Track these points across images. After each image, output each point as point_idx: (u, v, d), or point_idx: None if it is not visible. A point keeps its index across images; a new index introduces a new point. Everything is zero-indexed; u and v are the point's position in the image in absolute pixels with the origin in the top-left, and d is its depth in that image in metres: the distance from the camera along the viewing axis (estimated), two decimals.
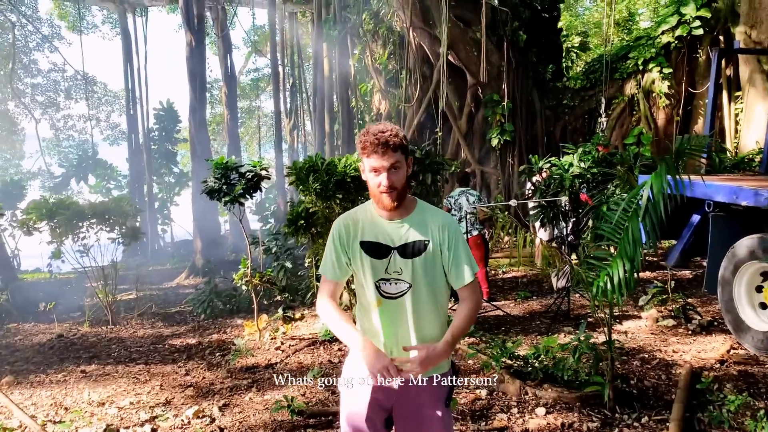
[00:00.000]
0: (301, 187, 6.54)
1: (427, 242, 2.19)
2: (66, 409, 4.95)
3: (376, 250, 2.20)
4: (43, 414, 4.79)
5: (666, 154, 11.94)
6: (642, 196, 4.56)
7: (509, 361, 5.07)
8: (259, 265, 9.63)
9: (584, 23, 29.34)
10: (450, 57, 13.14)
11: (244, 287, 7.31)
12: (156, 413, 4.71)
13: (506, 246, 12.67)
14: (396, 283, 2.20)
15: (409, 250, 2.18)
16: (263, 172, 7.10)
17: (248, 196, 6.84)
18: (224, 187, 6.76)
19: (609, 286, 4.49)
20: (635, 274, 4.51)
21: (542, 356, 5.00)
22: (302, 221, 6.62)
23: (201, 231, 15.06)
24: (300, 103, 21.36)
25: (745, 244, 5.64)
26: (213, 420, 4.53)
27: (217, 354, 6.75)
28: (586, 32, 27.17)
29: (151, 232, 22.29)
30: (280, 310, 7.37)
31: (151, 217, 22.56)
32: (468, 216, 8.28)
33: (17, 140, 28.99)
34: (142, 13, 22.13)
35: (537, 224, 10.18)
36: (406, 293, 2.20)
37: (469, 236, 8.27)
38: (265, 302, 9.29)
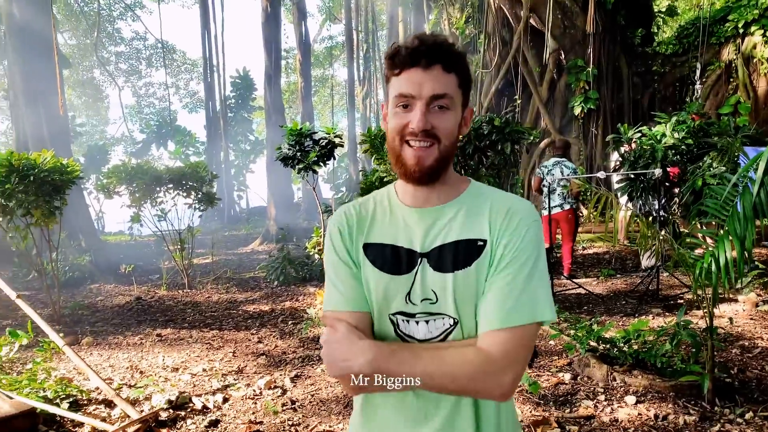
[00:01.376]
0: (375, 155, 6.32)
1: (482, 243, 1.24)
2: (141, 372, 4.99)
3: (390, 258, 1.27)
4: (119, 377, 4.84)
5: (765, 125, 11.05)
6: (758, 166, 4.10)
7: (595, 344, 4.74)
8: None
9: None
10: (532, 20, 12.50)
11: (316, 256, 7.20)
12: (228, 382, 4.66)
13: (586, 220, 12.10)
14: (428, 321, 1.25)
15: (449, 258, 1.24)
16: (337, 140, 6.93)
17: (322, 164, 6.69)
18: (298, 154, 6.64)
19: (714, 267, 4.07)
20: (745, 255, 4.08)
21: (632, 340, 4.64)
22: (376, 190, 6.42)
23: (275, 198, 15.18)
24: (373, 71, 21.09)
25: None
26: (285, 391, 4.44)
27: (290, 322, 6.70)
28: None
29: (228, 198, 22.76)
30: None
31: (228, 183, 23.02)
32: (560, 189, 7.87)
33: (102, 107, 30.15)
34: None
35: (623, 198, 9.64)
36: (448, 337, 1.25)
37: (561, 210, 7.88)
38: None
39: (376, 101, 22.62)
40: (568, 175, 7.92)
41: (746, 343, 5.20)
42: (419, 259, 1.24)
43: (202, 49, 22.23)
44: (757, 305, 6.33)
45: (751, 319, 5.96)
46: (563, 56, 12.82)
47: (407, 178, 1.26)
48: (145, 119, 28.63)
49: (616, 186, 9.99)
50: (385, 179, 6.44)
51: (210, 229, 19.19)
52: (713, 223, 4.92)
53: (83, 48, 27.40)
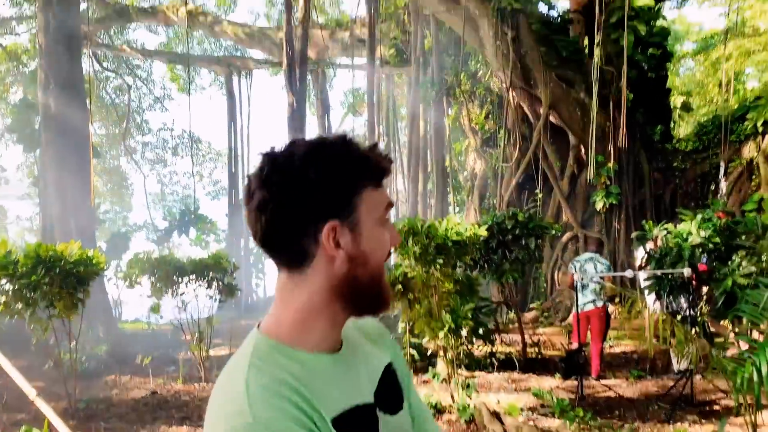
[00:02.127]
0: (399, 250, 6.30)
1: (392, 368, 1.20)
2: None
3: (358, 422, 1.05)
4: None
5: None
6: None
7: None
8: None
9: (686, 83, 28.27)
10: (551, 117, 12.77)
11: None
12: None
13: (613, 317, 11.83)
14: None
15: (391, 397, 1.16)
16: None
17: None
18: None
19: (756, 377, 3.90)
20: None
21: None
22: (400, 286, 6.35)
23: None
24: (393, 164, 21.49)
25: None
26: None
27: None
28: (689, 92, 26.08)
29: (246, 286, 22.73)
30: None
31: (246, 271, 23.06)
32: (593, 285, 7.74)
33: (126, 194, 30.80)
34: (247, 75, 23.23)
35: (650, 297, 9.44)
36: None
37: (594, 306, 7.70)
38: None
39: (396, 191, 23.01)
40: (602, 271, 7.81)
41: None
42: (376, 413, 1.09)
43: (228, 139, 22.93)
44: None
45: None
46: (583, 152, 12.98)
47: (384, 307, 1.10)
48: (168, 206, 29.17)
49: (643, 284, 9.82)
50: (408, 274, 6.38)
51: (227, 317, 19.00)
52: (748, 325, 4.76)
53: (111, 137, 28.38)
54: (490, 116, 15.20)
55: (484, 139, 15.51)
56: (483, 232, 6.47)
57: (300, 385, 0.98)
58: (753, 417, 3.93)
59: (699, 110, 26.05)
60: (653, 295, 8.66)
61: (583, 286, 7.83)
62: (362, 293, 1.06)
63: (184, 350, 10.35)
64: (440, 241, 6.04)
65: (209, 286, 8.94)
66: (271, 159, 1.03)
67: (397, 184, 23.20)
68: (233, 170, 23.53)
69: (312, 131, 27.20)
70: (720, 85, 23.82)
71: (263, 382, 0.97)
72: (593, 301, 7.76)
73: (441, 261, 6.05)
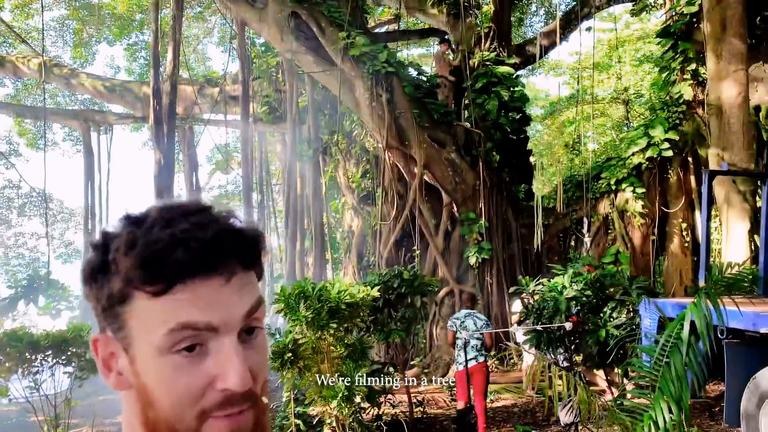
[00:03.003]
0: (289, 315, 6.00)
1: None
2: None
3: None
4: None
5: (643, 273, 11.86)
6: (683, 326, 4.21)
7: None
8: None
9: (536, 145, 30.59)
10: (425, 176, 13.13)
11: None
12: None
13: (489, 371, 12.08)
14: None
15: None
16: None
17: None
18: None
19: (653, 430, 4.01)
20: (683, 417, 4.06)
21: None
22: (290, 354, 6.02)
23: None
24: (267, 221, 21.06)
25: None
26: None
27: None
28: (540, 153, 28.18)
29: None
30: None
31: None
32: (474, 341, 7.79)
33: None
34: (107, 131, 21.97)
35: (525, 348, 9.74)
36: None
37: (476, 362, 7.73)
38: None
39: (270, 250, 22.47)
40: (482, 326, 7.91)
41: None
42: None
43: (84, 198, 21.36)
44: None
45: None
46: (456, 209, 13.42)
47: None
48: (13, 272, 26.44)
49: (519, 338, 10.14)
50: (299, 340, 6.08)
51: (82, 394, 17.26)
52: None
53: None
54: (366, 175, 15.39)
55: (360, 197, 15.62)
56: (375, 293, 6.35)
57: None
58: None
59: (549, 169, 28.18)
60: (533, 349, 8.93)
61: (465, 343, 7.89)
62: None
63: None
64: (333, 305, 5.83)
65: (68, 363, 8.01)
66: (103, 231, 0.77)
67: (272, 242, 22.75)
68: (90, 230, 21.85)
69: (180, 190, 26.18)
70: (566, 145, 25.98)
71: None
72: (475, 357, 7.82)
73: (334, 325, 5.82)
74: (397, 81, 12.93)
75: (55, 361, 7.83)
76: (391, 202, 13.57)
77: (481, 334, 7.92)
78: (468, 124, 13.80)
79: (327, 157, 16.15)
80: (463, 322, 8.03)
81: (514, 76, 14.58)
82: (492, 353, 12.53)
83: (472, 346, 7.82)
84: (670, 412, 3.98)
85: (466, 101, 14.25)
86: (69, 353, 7.89)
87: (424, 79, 14.64)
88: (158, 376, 0.71)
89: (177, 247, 0.68)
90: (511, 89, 14.16)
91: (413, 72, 14.81)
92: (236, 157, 26.04)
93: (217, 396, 0.70)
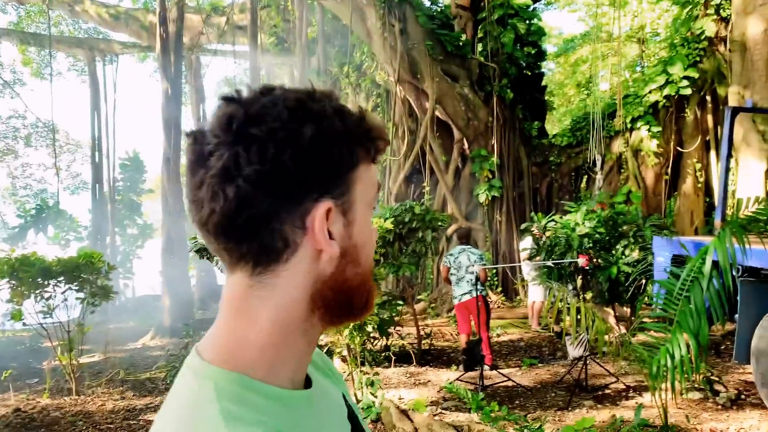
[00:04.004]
0: None
1: (348, 403, 0.96)
2: None
3: None
4: None
5: (655, 212, 11.77)
6: (705, 261, 4.14)
7: None
8: None
9: (547, 83, 30.01)
10: (437, 111, 12.89)
11: None
12: None
13: (496, 306, 12.17)
14: None
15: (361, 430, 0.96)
16: None
17: None
18: None
19: (670, 363, 4.00)
20: (699, 351, 4.04)
21: None
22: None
23: (170, 287, 14.18)
24: None
25: None
26: None
27: None
28: (551, 92, 27.68)
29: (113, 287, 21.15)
30: None
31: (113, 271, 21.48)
32: (468, 276, 7.79)
33: None
34: (112, 60, 21.58)
35: (532, 285, 9.75)
36: None
37: (470, 297, 7.75)
38: None
39: None
40: (475, 261, 7.88)
41: None
42: None
43: (90, 129, 21.19)
44: (681, 393, 6.38)
45: (679, 408, 5.96)
46: (467, 146, 13.23)
47: (357, 318, 0.86)
48: (21, 202, 26.52)
49: (527, 275, 10.14)
50: None
51: (93, 321, 17.58)
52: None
53: None
54: (377, 109, 15.13)
55: None
56: (389, 225, 6.29)
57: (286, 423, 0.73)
58: (665, 407, 4.02)
59: (559, 109, 27.71)
60: (539, 286, 8.95)
61: (459, 278, 7.92)
62: (350, 300, 0.80)
63: (47, 359, 9.33)
64: None
65: (80, 289, 8.06)
66: (245, 105, 0.73)
67: None
68: (97, 161, 21.78)
69: (187, 122, 25.96)
70: (578, 85, 25.41)
71: (231, 414, 0.68)
72: (469, 292, 7.82)
73: None
74: (411, 10, 12.52)
75: (67, 287, 7.88)
76: (402, 137, 13.38)
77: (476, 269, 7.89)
78: (482, 58, 13.44)
79: (336, 90, 15.86)
80: (457, 257, 8.02)
81: (531, 9, 14.12)
82: (499, 289, 12.62)
83: (467, 281, 7.83)
84: (687, 346, 3.96)
85: (481, 33, 13.83)
86: (81, 279, 7.93)
87: (439, 9, 14.18)
88: (369, 230, 0.82)
89: (382, 130, 0.82)
90: (528, 22, 13.73)
91: (428, 1, 14.33)
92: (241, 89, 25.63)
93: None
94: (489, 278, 10.47)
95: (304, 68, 13.24)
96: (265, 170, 0.69)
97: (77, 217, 24.04)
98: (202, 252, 6.12)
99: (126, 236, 24.14)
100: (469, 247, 8.24)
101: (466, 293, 7.85)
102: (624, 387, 6.72)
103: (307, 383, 0.83)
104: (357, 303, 0.81)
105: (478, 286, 7.70)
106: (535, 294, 10.11)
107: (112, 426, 6.47)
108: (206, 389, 0.71)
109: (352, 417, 0.92)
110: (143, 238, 24.75)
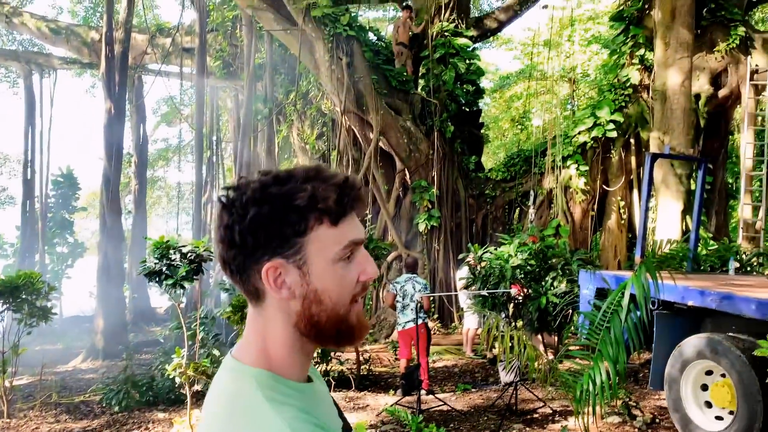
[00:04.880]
0: None
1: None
2: None
3: None
4: None
5: (582, 247, 12.48)
6: (623, 295, 4.60)
7: None
8: (171, 347, 8.88)
9: (483, 118, 31.03)
10: (381, 143, 13.32)
11: (177, 379, 6.66)
12: None
13: (433, 333, 12.54)
14: None
15: (344, 419, 1.23)
16: (206, 253, 6.67)
17: (192, 279, 6.37)
18: (164, 268, 6.27)
19: (592, 389, 4.42)
20: (618, 377, 4.48)
21: None
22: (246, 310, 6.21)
23: (104, 309, 13.91)
24: (214, 177, 20.84)
25: (693, 343, 5.81)
26: None
27: None
28: (487, 126, 28.72)
29: None
30: None
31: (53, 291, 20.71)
32: (413, 304, 8.13)
33: None
34: (49, 74, 21.10)
35: (466, 312, 10.18)
36: None
37: (414, 324, 8.09)
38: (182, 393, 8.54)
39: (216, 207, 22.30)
40: (420, 290, 8.26)
41: None
42: None
43: (24, 144, 20.58)
44: (602, 417, 6.88)
45: (600, 431, 6.44)
46: (408, 177, 13.71)
47: (355, 340, 1.10)
48: None
49: (464, 302, 10.59)
50: None
51: (22, 342, 16.92)
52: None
53: None
54: (322, 137, 15.45)
55: (314, 159, 15.70)
56: None
57: (311, 414, 1.01)
58: (587, 425, 4.44)
59: (494, 141, 28.71)
60: (473, 314, 9.38)
61: (404, 306, 8.27)
62: (322, 331, 1.05)
63: None
64: None
65: (18, 310, 7.95)
66: (237, 185, 1.05)
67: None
68: (29, 177, 21.13)
69: (126, 140, 25.46)
70: (512, 120, 26.47)
71: (294, 414, 0.97)
72: (413, 320, 8.18)
73: None
74: (358, 45, 12.98)
75: (5, 307, 7.77)
76: (346, 165, 13.73)
77: (422, 297, 8.27)
78: (424, 94, 14.01)
79: (281, 117, 16.10)
80: (404, 286, 8.38)
81: (471, 49, 14.82)
82: (435, 316, 13.02)
83: (412, 309, 8.17)
84: (607, 372, 4.40)
85: (424, 70, 14.43)
86: (20, 300, 7.82)
87: (384, 44, 14.71)
88: (332, 278, 1.03)
89: (345, 196, 1.03)
90: (468, 61, 14.42)
91: (373, 37, 14.84)
92: (182, 111, 25.45)
93: (361, 284, 1.07)
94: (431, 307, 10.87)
95: (251, 94, 13.44)
96: (234, 239, 1.02)
97: (2, 233, 23.18)
98: (151, 275, 6.23)
99: (56, 254, 23.38)
100: (415, 275, 8.61)
101: (410, 321, 8.19)
102: (551, 411, 7.16)
103: (309, 381, 1.12)
104: (327, 333, 1.05)
105: (421, 314, 8.07)
106: (469, 322, 10.56)
107: None
108: (249, 383, 1.01)
109: (341, 414, 1.22)
110: (73, 257, 24.00)
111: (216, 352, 8.39)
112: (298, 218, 1.00)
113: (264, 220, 1.00)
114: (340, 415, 1.22)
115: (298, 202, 1.00)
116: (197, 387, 7.95)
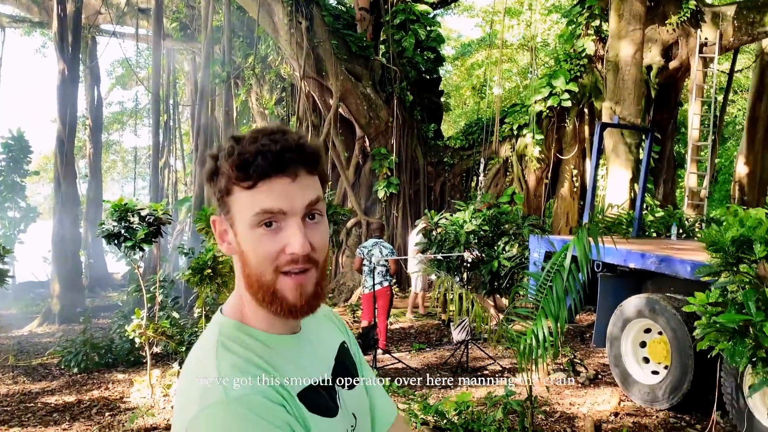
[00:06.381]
0: (210, 234, 6.26)
1: (346, 346, 1.28)
2: None
3: (320, 398, 1.10)
4: None
5: (535, 213, 12.86)
6: (566, 256, 4.86)
7: (426, 417, 5.11)
8: (130, 310, 8.94)
9: (444, 85, 31.15)
10: (340, 109, 13.36)
11: (137, 339, 6.75)
12: None
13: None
14: None
15: (347, 373, 1.22)
16: (164, 216, 6.71)
17: (151, 241, 6.42)
18: (123, 231, 6.30)
19: (534, 343, 4.71)
20: (559, 333, 4.76)
21: (462, 411, 5.09)
22: (209, 270, 6.31)
23: (60, 274, 13.78)
24: (171, 142, 20.55)
25: (633, 302, 6.17)
26: None
27: (107, 414, 6.15)
28: (448, 93, 28.90)
29: None
30: (176, 365, 6.88)
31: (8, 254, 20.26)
32: (379, 267, 8.33)
33: None
34: None
35: (413, 276, 10.46)
36: None
37: (380, 287, 8.31)
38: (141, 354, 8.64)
39: (174, 172, 22.01)
40: (387, 254, 8.47)
41: (548, 409, 5.95)
42: (336, 390, 1.16)
43: None
44: (548, 374, 7.26)
45: (546, 386, 6.81)
46: (368, 144, 13.81)
47: (288, 315, 1.06)
48: None
49: (412, 267, 10.87)
50: (219, 258, 6.37)
51: None
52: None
53: None
54: (281, 102, 15.37)
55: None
56: None
57: (265, 362, 1.02)
58: (530, 381, 4.72)
59: (455, 110, 28.86)
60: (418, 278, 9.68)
61: (371, 270, 8.48)
62: (254, 293, 1.06)
63: None
64: None
65: None
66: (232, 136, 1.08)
67: (176, 164, 22.28)
68: None
69: (80, 103, 24.80)
70: (473, 88, 26.64)
71: (233, 361, 1.00)
72: (380, 283, 8.41)
73: None
74: (318, 9, 12.91)
75: None
76: (306, 131, 13.74)
77: (386, 261, 8.50)
78: (384, 60, 14.05)
79: (240, 81, 15.94)
80: (371, 250, 8.57)
81: (431, 16, 14.88)
82: (395, 279, 13.30)
83: (378, 272, 8.40)
84: (550, 330, 4.68)
85: (384, 37, 14.44)
86: None
87: (344, 9, 14.63)
88: (250, 243, 1.03)
89: (258, 156, 1.00)
90: (428, 28, 14.48)
91: (333, 1, 14.74)
92: (138, 73, 24.87)
93: (286, 257, 1.02)
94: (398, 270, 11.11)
95: (208, 57, 13.26)
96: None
97: None
98: (110, 238, 6.26)
99: (7, 219, 22.84)
100: (381, 240, 8.79)
101: (378, 283, 8.40)
102: (500, 368, 7.51)
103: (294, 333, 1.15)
104: (257, 296, 1.05)
105: (387, 277, 8.31)
106: (418, 285, 10.92)
107: (8, 408, 6.48)
108: (215, 330, 1.08)
109: (341, 358, 1.23)
110: (26, 221, 23.48)
111: (176, 315, 8.50)
112: (221, 178, 1.04)
113: (206, 176, 1.08)
114: (348, 366, 1.23)
115: (219, 163, 1.04)
116: (157, 349, 8.07)
